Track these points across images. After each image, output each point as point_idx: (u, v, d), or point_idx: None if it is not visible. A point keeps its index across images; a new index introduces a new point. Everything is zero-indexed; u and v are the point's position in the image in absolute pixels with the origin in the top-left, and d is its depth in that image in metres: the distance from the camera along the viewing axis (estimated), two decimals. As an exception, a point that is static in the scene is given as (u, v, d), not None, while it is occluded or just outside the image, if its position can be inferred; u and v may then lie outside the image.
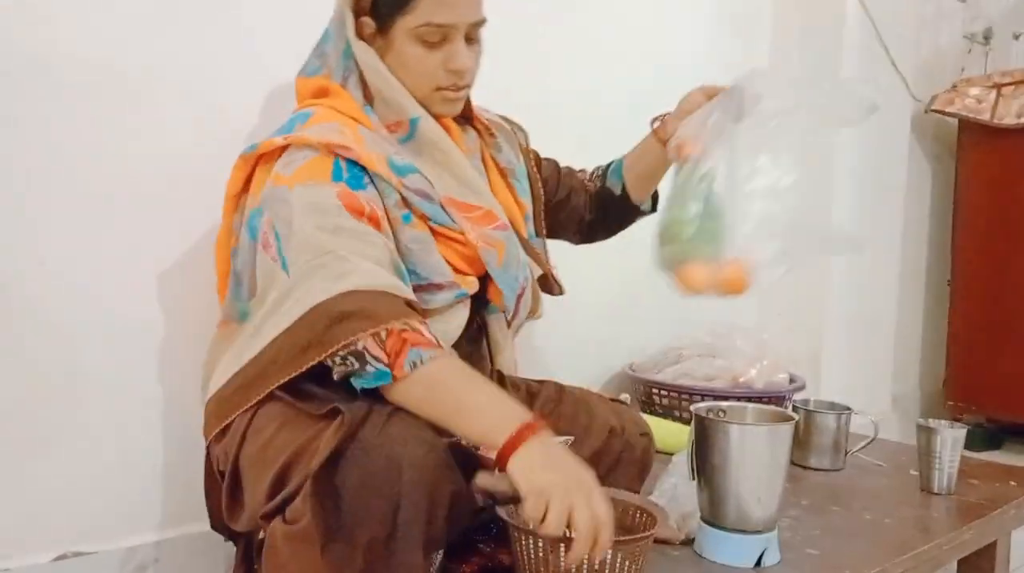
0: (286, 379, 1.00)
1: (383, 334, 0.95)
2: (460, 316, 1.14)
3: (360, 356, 0.96)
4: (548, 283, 1.32)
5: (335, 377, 0.99)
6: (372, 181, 1.06)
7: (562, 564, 0.89)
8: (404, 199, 1.08)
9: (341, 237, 1.00)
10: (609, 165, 1.42)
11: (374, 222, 1.04)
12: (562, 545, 0.89)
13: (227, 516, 1.07)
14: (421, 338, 0.96)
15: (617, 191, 1.39)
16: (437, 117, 1.16)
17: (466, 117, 1.26)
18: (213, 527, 1.16)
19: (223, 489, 1.07)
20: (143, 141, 1.26)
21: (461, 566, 1.02)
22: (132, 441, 1.28)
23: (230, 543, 1.16)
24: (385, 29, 1.10)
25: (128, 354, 1.27)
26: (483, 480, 0.92)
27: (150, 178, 1.27)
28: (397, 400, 0.97)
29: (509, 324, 1.22)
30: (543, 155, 1.42)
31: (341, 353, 0.96)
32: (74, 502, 1.23)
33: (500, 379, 1.30)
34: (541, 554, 0.91)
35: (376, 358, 0.95)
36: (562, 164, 1.44)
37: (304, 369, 0.99)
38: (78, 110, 1.20)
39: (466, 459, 0.96)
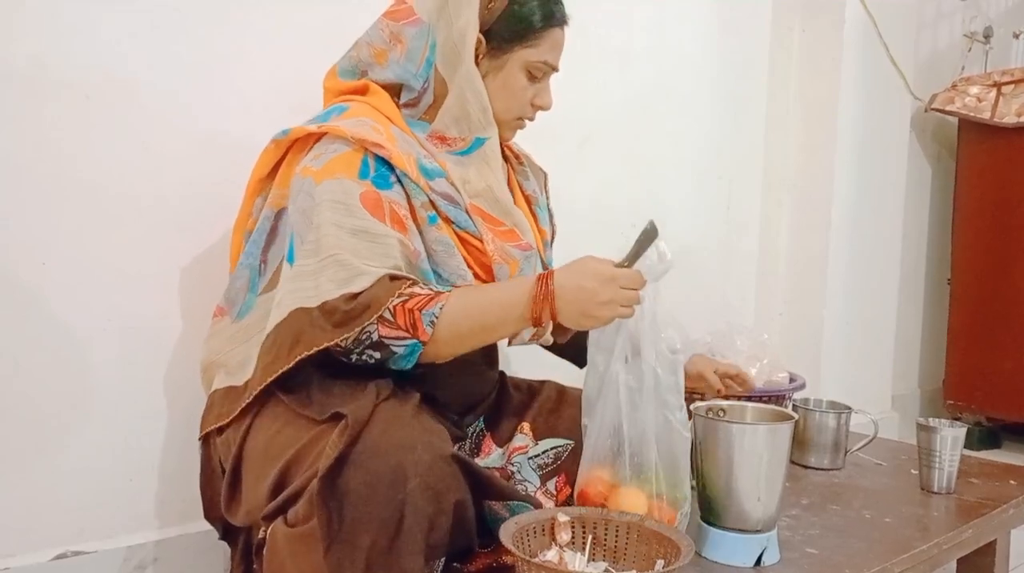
0: (281, 371, 1.01)
1: (388, 315, 0.98)
2: None
3: (380, 345, 0.99)
4: None
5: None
6: (399, 180, 1.07)
7: None
8: (431, 201, 1.09)
9: (355, 238, 1.01)
10: None
11: (396, 222, 1.04)
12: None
13: (225, 508, 1.08)
14: (421, 298, 1.00)
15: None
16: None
17: None
18: (206, 517, 1.16)
19: (224, 481, 1.08)
20: (143, 141, 1.26)
21: (465, 566, 1.02)
22: (132, 441, 1.28)
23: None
24: (498, 53, 1.13)
25: (128, 354, 1.27)
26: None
27: (150, 178, 1.27)
28: (439, 356, 1.03)
29: (509, 342, 1.21)
30: (545, 156, 1.40)
31: (356, 351, 1.00)
32: (74, 501, 1.24)
33: (502, 379, 1.31)
34: None
35: (397, 338, 0.99)
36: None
37: (293, 363, 1.00)
38: (78, 111, 1.20)
39: (472, 471, 0.96)
